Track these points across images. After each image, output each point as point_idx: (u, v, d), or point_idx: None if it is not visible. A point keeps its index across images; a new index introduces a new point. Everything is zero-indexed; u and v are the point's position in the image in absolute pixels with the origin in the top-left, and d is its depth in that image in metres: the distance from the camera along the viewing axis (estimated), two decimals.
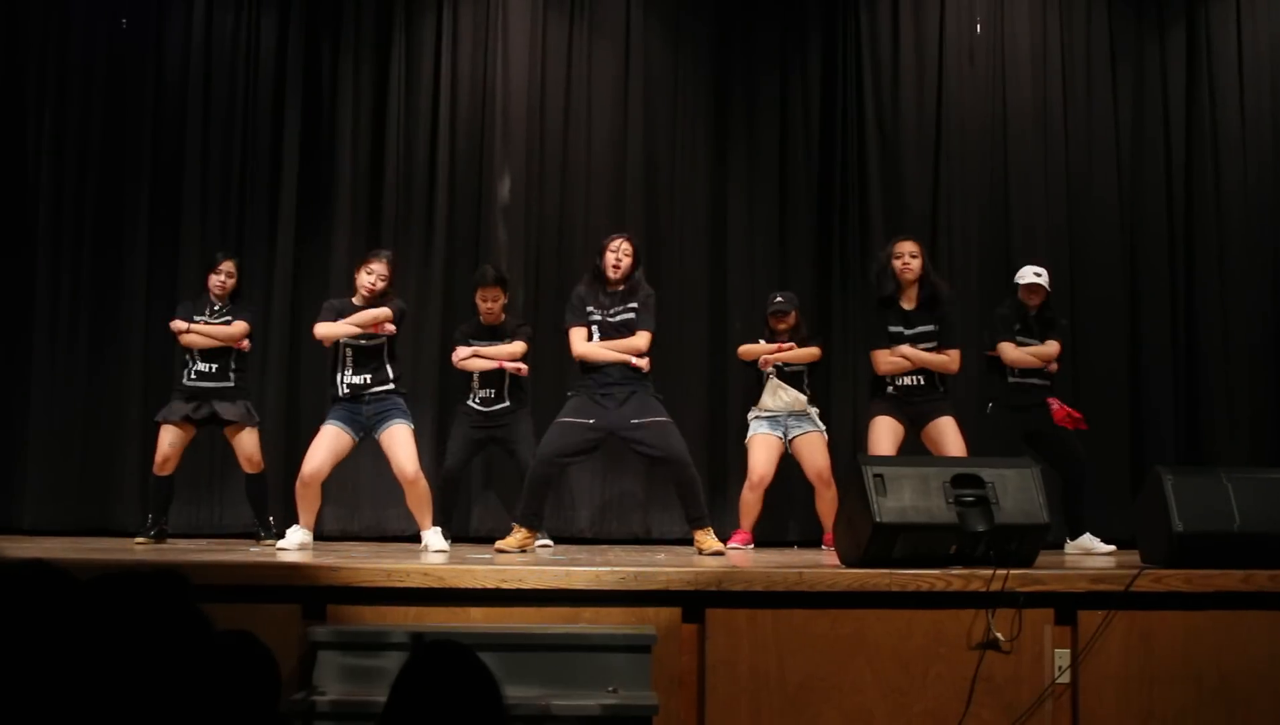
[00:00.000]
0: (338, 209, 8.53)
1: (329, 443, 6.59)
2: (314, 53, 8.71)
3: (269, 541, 7.09)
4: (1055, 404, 7.03)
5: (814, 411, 7.41)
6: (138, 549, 6.66)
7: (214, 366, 7.19)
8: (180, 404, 7.17)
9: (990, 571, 4.70)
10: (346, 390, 6.65)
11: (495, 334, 7.37)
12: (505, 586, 4.66)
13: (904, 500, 4.91)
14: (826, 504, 7.26)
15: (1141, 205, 8.87)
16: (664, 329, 8.31)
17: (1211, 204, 8.79)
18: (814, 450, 7.32)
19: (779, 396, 7.34)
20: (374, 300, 6.74)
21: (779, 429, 7.35)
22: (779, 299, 7.55)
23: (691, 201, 8.74)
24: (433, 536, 6.64)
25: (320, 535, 7.92)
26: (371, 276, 6.74)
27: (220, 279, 7.24)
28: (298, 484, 6.66)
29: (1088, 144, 8.85)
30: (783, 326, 7.48)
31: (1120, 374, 8.63)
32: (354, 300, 6.79)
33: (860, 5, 8.88)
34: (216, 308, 7.23)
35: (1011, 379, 7.04)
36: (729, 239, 8.70)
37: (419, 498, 6.66)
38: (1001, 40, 8.89)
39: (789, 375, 7.40)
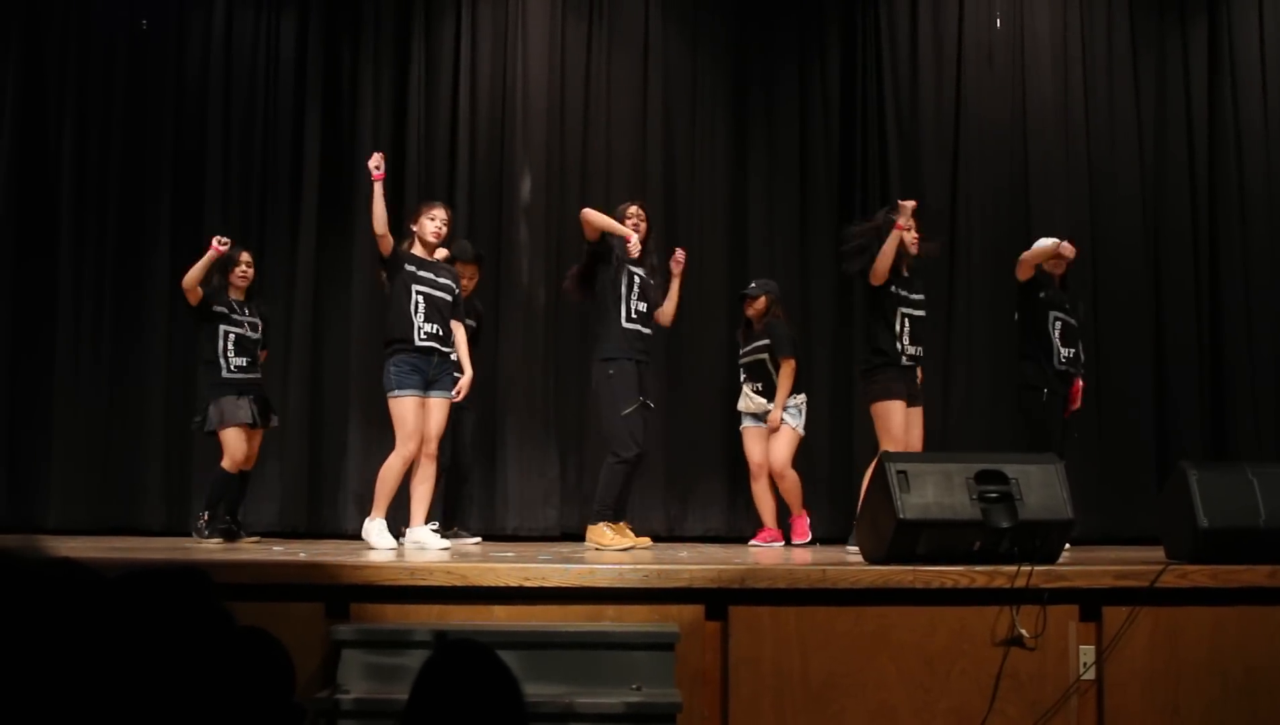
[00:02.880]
0: (359, 208, 8.54)
1: (417, 416, 6.19)
2: (334, 53, 8.74)
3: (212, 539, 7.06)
4: (1078, 385, 7.01)
5: (791, 403, 7.39)
6: (202, 550, 6.50)
7: (247, 360, 7.21)
8: (234, 401, 7.10)
9: (1014, 568, 4.68)
10: (423, 339, 6.23)
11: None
12: (528, 584, 4.65)
13: (927, 497, 4.89)
14: (783, 490, 7.41)
15: (1164, 201, 8.83)
16: (684, 326, 8.33)
17: (1235, 199, 8.74)
18: (777, 443, 7.38)
19: (746, 403, 7.47)
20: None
21: (760, 422, 7.45)
22: (752, 285, 7.64)
23: (711, 199, 8.74)
24: (429, 532, 6.37)
25: (344, 534, 7.97)
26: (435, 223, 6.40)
27: (241, 269, 7.22)
28: (400, 465, 6.19)
29: (1109, 140, 8.81)
30: (750, 312, 7.53)
31: (1144, 370, 8.59)
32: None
33: (879, 2, 8.86)
34: (240, 304, 7.23)
35: (1060, 366, 6.93)
36: (749, 237, 8.70)
37: (430, 480, 6.34)
38: (1021, 36, 8.86)
39: (753, 365, 7.45)
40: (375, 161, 6.22)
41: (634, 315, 6.39)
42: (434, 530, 6.56)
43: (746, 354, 7.52)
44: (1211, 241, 8.78)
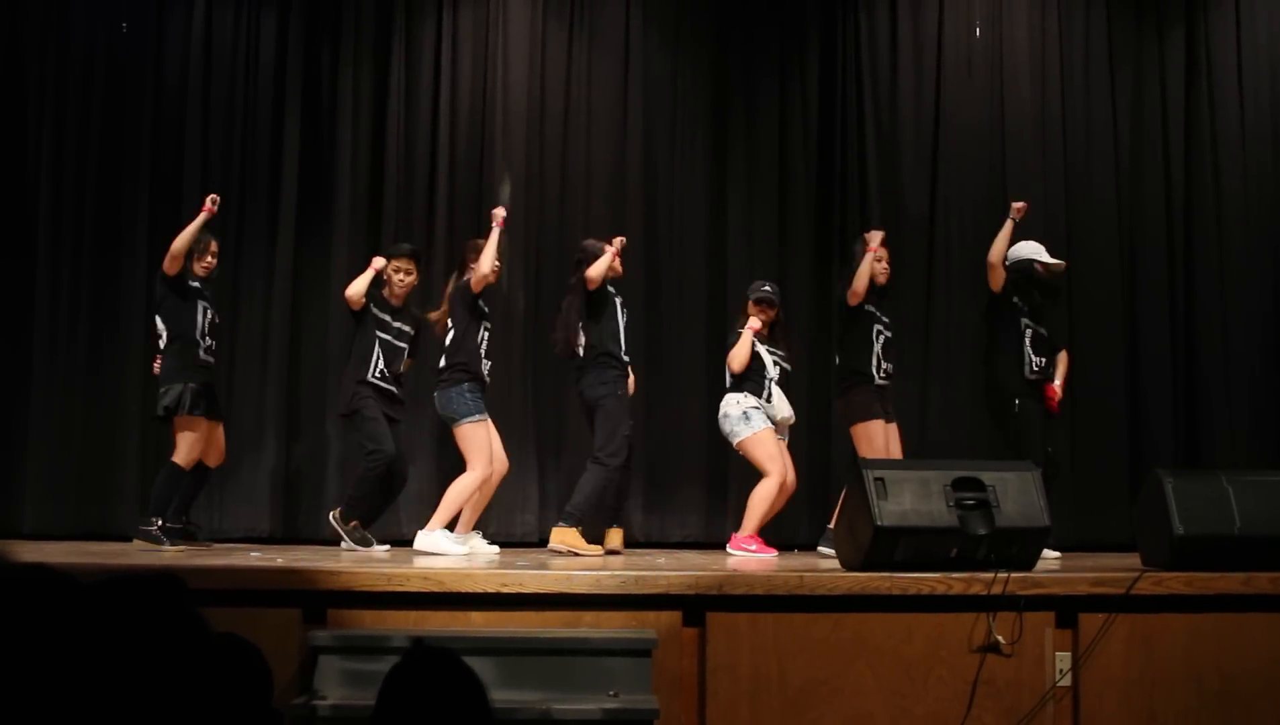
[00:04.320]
0: (338, 212, 8.53)
1: (489, 439, 6.78)
2: (314, 56, 8.70)
3: (179, 545, 6.83)
4: (1051, 389, 7.05)
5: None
6: (175, 555, 6.35)
7: (214, 343, 7.18)
8: (199, 390, 6.97)
9: (991, 574, 4.70)
10: (487, 375, 6.88)
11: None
12: (506, 590, 4.66)
13: (905, 504, 4.91)
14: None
15: (1140, 209, 8.86)
16: (663, 333, 8.32)
17: (1211, 207, 8.78)
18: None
19: (779, 407, 7.12)
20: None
21: (770, 422, 7.10)
22: (767, 288, 7.29)
23: (691, 205, 8.73)
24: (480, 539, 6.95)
25: (321, 539, 7.93)
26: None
27: (209, 260, 7.15)
28: (477, 485, 6.71)
29: (1086, 147, 8.84)
30: (763, 318, 7.19)
31: (1118, 377, 8.62)
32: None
33: (859, 8, 8.88)
34: (201, 282, 7.19)
35: (1031, 375, 7.02)
36: (728, 243, 8.70)
37: (489, 497, 6.97)
38: (1000, 44, 8.88)
39: (787, 378, 7.24)
40: (502, 212, 7.07)
41: (623, 341, 6.97)
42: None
43: (782, 361, 7.22)
44: (1187, 248, 8.81)
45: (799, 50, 8.89)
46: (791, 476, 7.15)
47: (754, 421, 6.99)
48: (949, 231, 8.69)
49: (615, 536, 7.01)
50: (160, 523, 6.84)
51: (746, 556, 6.75)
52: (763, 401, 7.03)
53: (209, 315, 7.12)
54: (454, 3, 8.75)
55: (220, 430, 7.28)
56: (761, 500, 6.94)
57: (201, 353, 7.04)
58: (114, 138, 8.56)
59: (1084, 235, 8.74)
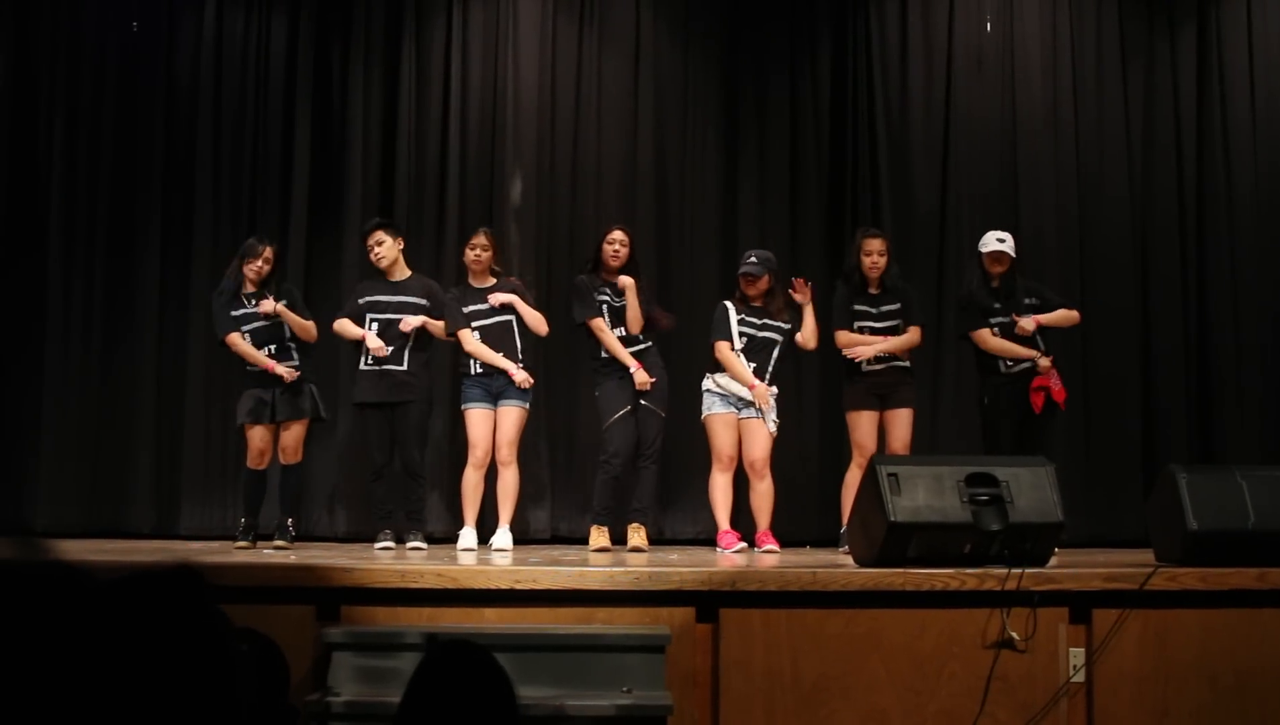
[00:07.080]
0: (349, 211, 8.53)
1: (484, 424, 6.90)
2: (324, 55, 8.72)
3: (283, 543, 6.92)
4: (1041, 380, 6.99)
5: (772, 393, 6.99)
6: (238, 553, 6.42)
7: (272, 347, 6.98)
8: (257, 395, 6.96)
9: (1005, 570, 4.70)
10: (480, 368, 6.94)
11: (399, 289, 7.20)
12: (519, 587, 4.66)
13: (918, 500, 4.91)
14: (760, 498, 6.98)
15: (1152, 204, 8.84)
16: (676, 329, 8.31)
17: (1223, 203, 8.76)
18: (757, 436, 6.94)
19: (745, 378, 6.94)
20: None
21: (731, 407, 6.97)
22: (752, 259, 7.11)
23: (702, 202, 8.73)
24: (501, 535, 6.83)
25: (335, 536, 7.95)
26: (474, 251, 7.21)
27: (258, 265, 6.98)
28: (471, 473, 6.89)
29: (1098, 143, 8.82)
30: (753, 292, 7.08)
31: (1132, 373, 8.60)
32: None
33: (870, 4, 8.87)
34: (252, 297, 7.00)
35: (1006, 369, 7.01)
36: (740, 239, 8.68)
37: (506, 487, 6.88)
38: (1011, 39, 8.86)
39: (759, 346, 7.02)
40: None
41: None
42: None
43: (761, 329, 7.06)
44: (1199, 245, 8.79)
45: (810, 46, 8.88)
46: (746, 455, 6.99)
47: (712, 404, 7.01)
48: (960, 227, 8.67)
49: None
50: (243, 521, 7.07)
51: (722, 553, 6.69)
52: (726, 381, 6.97)
53: (246, 337, 7.00)
54: (464, 1, 8.76)
55: (287, 432, 7.06)
56: (713, 491, 6.99)
57: (247, 366, 7.05)
58: (125, 138, 8.58)
59: (1095, 230, 8.72)
